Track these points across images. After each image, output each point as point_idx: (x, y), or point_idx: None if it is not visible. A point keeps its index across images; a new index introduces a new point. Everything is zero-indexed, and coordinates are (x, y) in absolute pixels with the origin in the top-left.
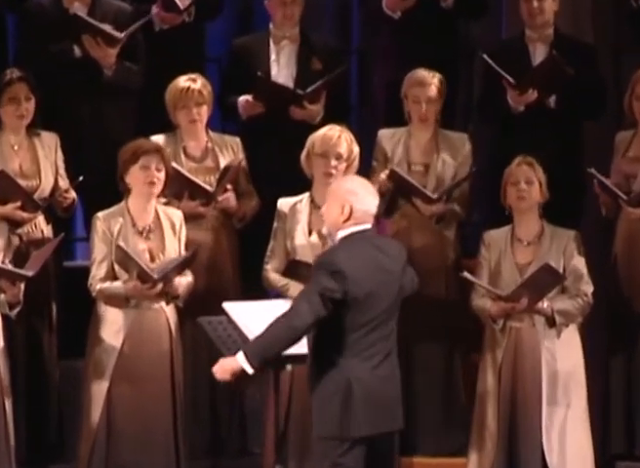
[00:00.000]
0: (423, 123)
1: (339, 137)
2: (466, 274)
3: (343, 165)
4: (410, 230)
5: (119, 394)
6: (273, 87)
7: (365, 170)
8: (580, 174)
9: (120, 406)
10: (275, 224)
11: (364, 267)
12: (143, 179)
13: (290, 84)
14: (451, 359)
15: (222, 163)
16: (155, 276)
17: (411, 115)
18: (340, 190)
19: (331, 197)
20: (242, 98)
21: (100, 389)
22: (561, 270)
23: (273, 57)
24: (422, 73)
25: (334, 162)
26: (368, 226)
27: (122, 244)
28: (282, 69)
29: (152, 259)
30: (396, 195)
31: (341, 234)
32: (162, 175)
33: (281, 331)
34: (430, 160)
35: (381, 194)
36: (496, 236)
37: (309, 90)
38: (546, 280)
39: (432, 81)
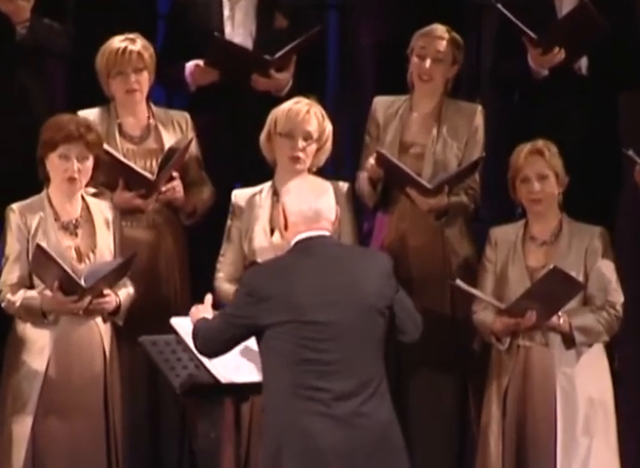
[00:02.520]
0: (426, 83)
1: (307, 112)
2: (459, 282)
3: (313, 146)
4: (407, 229)
5: (46, 431)
6: (232, 50)
7: (349, 151)
8: (616, 156)
9: (47, 445)
10: (229, 222)
11: (295, 287)
12: (62, 173)
13: (248, 45)
14: (460, 390)
15: (168, 144)
16: (84, 284)
17: (413, 78)
18: (282, 191)
19: None
20: (191, 64)
21: (22, 426)
22: (581, 276)
23: (227, 12)
24: (436, 26)
25: (302, 143)
26: (322, 233)
27: (43, 243)
28: (238, 27)
29: (80, 259)
30: (388, 184)
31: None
32: (87, 165)
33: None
34: (427, 140)
35: (373, 183)
36: (505, 233)
37: (278, 55)
38: (558, 288)
39: (446, 37)
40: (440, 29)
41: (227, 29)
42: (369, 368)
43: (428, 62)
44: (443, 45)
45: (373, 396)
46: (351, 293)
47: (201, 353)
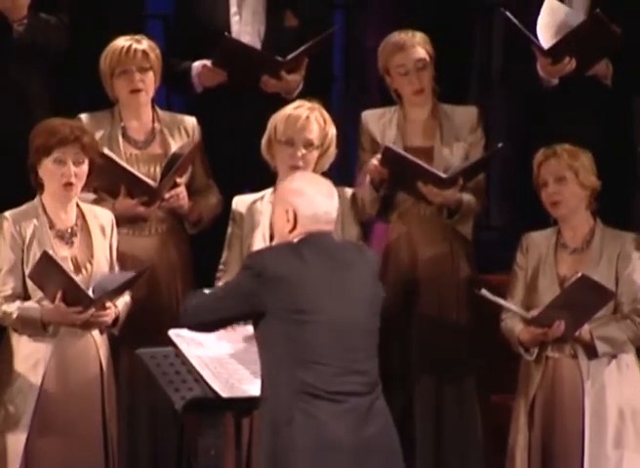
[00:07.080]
0: (419, 95)
1: (307, 119)
2: (484, 291)
3: (315, 153)
4: (412, 236)
5: (40, 447)
6: (242, 50)
7: (354, 156)
8: (630, 156)
9: (42, 462)
10: (230, 229)
11: (304, 277)
12: (58, 179)
13: (256, 44)
14: (465, 402)
15: (173, 149)
16: (92, 296)
17: (399, 92)
18: (283, 191)
19: (276, 200)
20: (198, 64)
21: (15, 442)
22: (612, 283)
23: (234, 9)
24: (400, 36)
25: (301, 151)
26: (327, 230)
27: (51, 252)
28: (245, 25)
29: (77, 270)
30: (392, 186)
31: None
32: (83, 169)
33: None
34: (432, 143)
35: (375, 187)
36: (537, 239)
37: (290, 57)
38: (587, 297)
39: (416, 41)
40: (408, 39)
41: (234, 27)
42: (373, 370)
43: (416, 77)
44: (420, 52)
45: (379, 398)
46: (357, 291)
47: (186, 324)
